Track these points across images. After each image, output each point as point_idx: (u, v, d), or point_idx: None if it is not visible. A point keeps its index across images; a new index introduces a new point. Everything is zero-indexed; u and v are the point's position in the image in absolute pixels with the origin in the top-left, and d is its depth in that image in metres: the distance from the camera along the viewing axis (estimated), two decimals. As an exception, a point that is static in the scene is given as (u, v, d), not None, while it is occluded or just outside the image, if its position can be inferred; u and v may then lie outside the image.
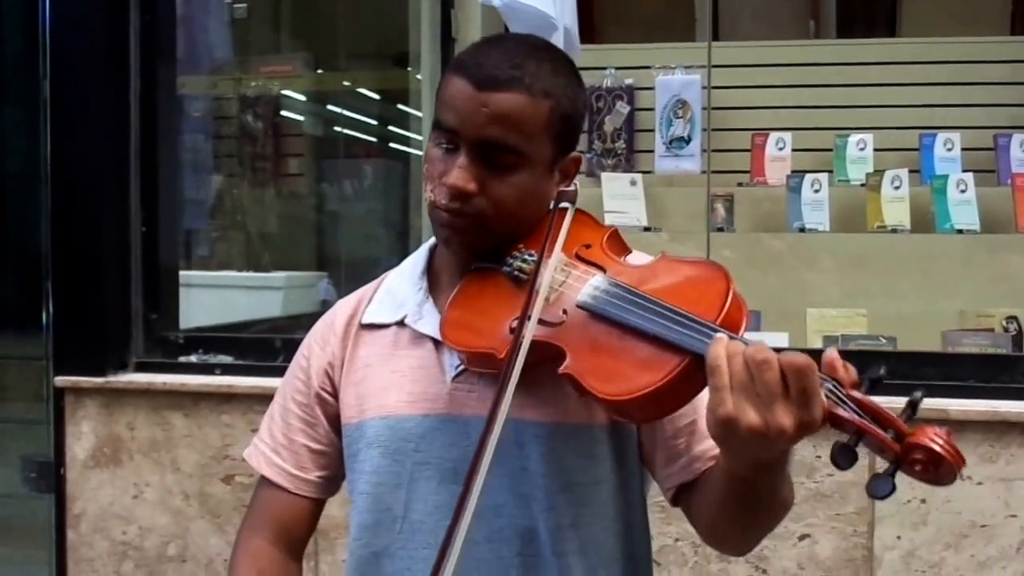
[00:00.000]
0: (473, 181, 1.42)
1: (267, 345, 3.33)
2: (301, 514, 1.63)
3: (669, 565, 2.95)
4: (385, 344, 1.55)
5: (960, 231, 3.81)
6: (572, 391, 1.34)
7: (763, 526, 1.40)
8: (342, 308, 1.64)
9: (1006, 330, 3.46)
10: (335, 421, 1.60)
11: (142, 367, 3.36)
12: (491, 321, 1.43)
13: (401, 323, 1.55)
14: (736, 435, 1.15)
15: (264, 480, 1.64)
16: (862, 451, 1.15)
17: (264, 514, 1.65)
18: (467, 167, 1.42)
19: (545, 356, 1.35)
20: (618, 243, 1.49)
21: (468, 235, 1.46)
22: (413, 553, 1.48)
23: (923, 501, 2.84)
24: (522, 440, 1.45)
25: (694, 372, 1.23)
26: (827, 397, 1.15)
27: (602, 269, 1.42)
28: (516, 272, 1.46)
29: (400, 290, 1.59)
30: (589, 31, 4.40)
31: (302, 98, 5.45)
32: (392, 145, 5.61)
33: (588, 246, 1.47)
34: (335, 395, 1.60)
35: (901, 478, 1.14)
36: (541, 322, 1.37)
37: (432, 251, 1.62)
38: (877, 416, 1.15)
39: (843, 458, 1.13)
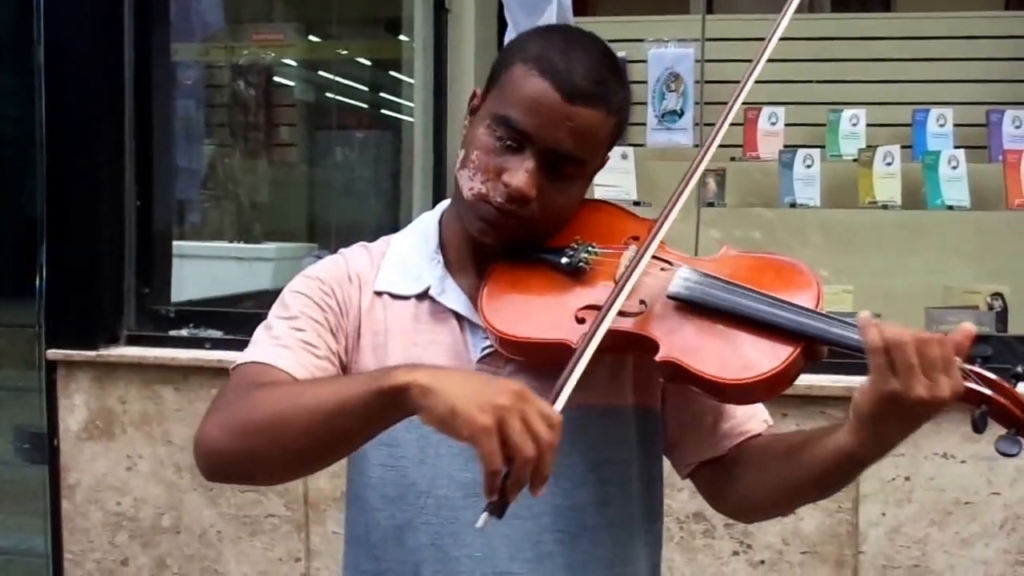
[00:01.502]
0: (535, 187, 1.42)
1: (258, 320, 3.32)
2: None
3: (656, 541, 2.98)
4: (404, 315, 1.53)
5: (951, 207, 3.82)
6: (649, 386, 1.48)
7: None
8: (353, 262, 1.57)
9: (991, 307, 3.48)
10: (346, 357, 1.52)
11: (133, 340, 3.38)
12: (551, 312, 1.44)
13: (420, 296, 1.53)
14: (900, 409, 1.25)
15: (259, 366, 1.44)
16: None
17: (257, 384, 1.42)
18: (533, 172, 1.42)
19: (625, 346, 1.38)
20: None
21: (509, 234, 1.47)
22: (439, 528, 1.47)
23: (907, 479, 2.87)
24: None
25: (805, 356, 1.34)
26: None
27: (667, 262, 1.45)
28: (579, 263, 1.46)
29: (412, 262, 1.56)
30: (582, 3, 4.39)
31: (294, 64, 5.43)
32: (384, 112, 5.59)
33: (636, 237, 1.50)
34: (346, 337, 1.51)
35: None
36: (620, 313, 1.38)
37: (439, 223, 1.60)
38: (997, 388, 1.30)
39: (983, 424, 1.28)
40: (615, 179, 4.04)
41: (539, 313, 1.45)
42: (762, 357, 1.34)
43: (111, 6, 3.37)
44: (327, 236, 5.05)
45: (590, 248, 1.48)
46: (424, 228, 1.61)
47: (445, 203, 1.64)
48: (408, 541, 1.49)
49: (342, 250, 1.61)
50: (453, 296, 1.52)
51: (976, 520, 2.87)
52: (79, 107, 3.33)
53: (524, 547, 1.47)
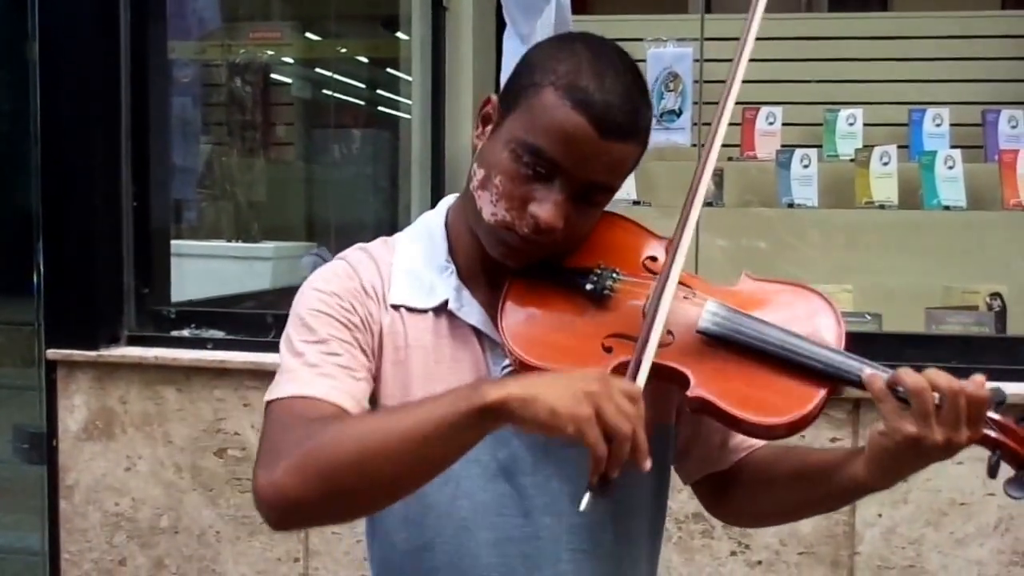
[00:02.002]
0: (563, 219, 1.39)
1: (259, 320, 3.34)
2: None
3: (655, 541, 3.00)
4: (424, 328, 1.49)
5: (947, 207, 3.84)
6: (666, 404, 1.50)
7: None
8: (363, 271, 1.50)
9: (990, 307, 3.49)
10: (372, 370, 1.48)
11: (134, 340, 3.37)
12: (577, 339, 1.42)
13: (437, 310, 1.49)
14: (917, 454, 1.31)
15: (304, 400, 1.38)
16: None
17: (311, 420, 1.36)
18: (563, 205, 1.39)
19: (656, 377, 1.35)
20: None
21: (532, 258, 1.45)
22: (458, 548, 1.46)
23: (904, 480, 2.88)
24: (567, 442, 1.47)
25: (831, 395, 1.37)
26: None
27: (689, 288, 1.45)
28: (604, 290, 1.44)
29: (423, 272, 1.51)
30: (581, 2, 4.39)
31: (291, 63, 5.43)
32: (382, 110, 5.59)
33: (654, 258, 1.49)
34: (375, 352, 1.47)
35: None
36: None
37: (445, 226, 1.56)
38: (1010, 433, 1.34)
39: (997, 469, 1.34)
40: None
41: (564, 340, 1.43)
42: (792, 399, 1.36)
43: (107, 2, 3.35)
44: (325, 234, 5.06)
45: (615, 275, 1.46)
46: (430, 232, 1.55)
47: (447, 201, 1.59)
48: (426, 561, 1.49)
49: (346, 257, 1.53)
50: (471, 311, 1.49)
51: (971, 521, 2.88)
52: (75, 105, 3.31)
53: (542, 565, 1.47)
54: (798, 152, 3.98)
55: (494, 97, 1.48)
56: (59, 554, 3.36)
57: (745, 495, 1.57)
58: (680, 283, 1.41)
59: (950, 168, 3.86)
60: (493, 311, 1.46)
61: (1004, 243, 3.78)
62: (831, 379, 1.36)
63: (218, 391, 3.20)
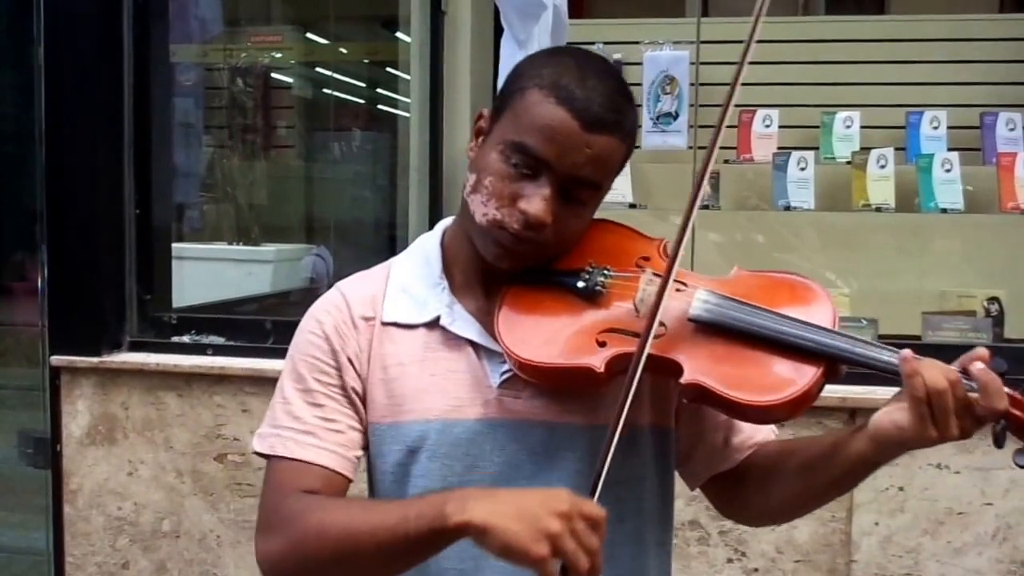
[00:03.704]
0: (552, 214, 1.43)
1: (258, 327, 3.37)
2: (341, 495, 1.51)
3: (652, 547, 3.02)
4: (415, 345, 1.53)
5: (944, 210, 3.84)
6: (665, 405, 1.52)
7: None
8: (354, 299, 1.56)
9: (987, 312, 3.49)
10: (363, 406, 1.55)
11: (136, 346, 3.40)
12: (571, 337, 1.45)
13: (430, 325, 1.53)
14: (929, 443, 1.34)
15: (292, 465, 1.49)
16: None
17: (300, 492, 1.48)
18: (550, 199, 1.42)
19: (648, 369, 1.39)
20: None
21: (525, 259, 1.48)
22: (461, 553, 1.44)
23: (901, 489, 2.91)
24: (570, 444, 1.49)
25: (826, 375, 1.38)
26: None
27: (682, 283, 1.47)
28: (595, 287, 1.48)
29: (417, 289, 1.56)
30: (578, 6, 4.39)
31: (292, 66, 5.44)
32: (381, 112, 5.61)
33: (647, 258, 1.52)
34: (363, 387, 1.54)
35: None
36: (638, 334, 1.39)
37: (441, 247, 1.60)
38: (1015, 402, 1.34)
39: (1003, 438, 1.34)
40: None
41: (559, 338, 1.46)
42: (786, 378, 1.37)
43: (110, 7, 3.38)
44: (325, 235, 5.08)
45: (605, 272, 1.49)
46: (425, 252, 1.60)
47: (444, 223, 1.63)
48: (430, 568, 1.48)
49: (342, 287, 1.60)
50: (464, 324, 1.53)
51: (968, 530, 2.90)
52: (78, 112, 3.34)
53: None
54: (795, 155, 3.98)
55: (486, 111, 1.53)
56: (63, 557, 3.40)
57: (755, 492, 1.59)
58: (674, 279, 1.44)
59: (947, 171, 3.86)
60: (488, 320, 1.50)
61: (1002, 247, 3.78)
62: (826, 358, 1.38)
63: (218, 397, 3.23)
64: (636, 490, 1.55)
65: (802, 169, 3.96)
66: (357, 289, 1.59)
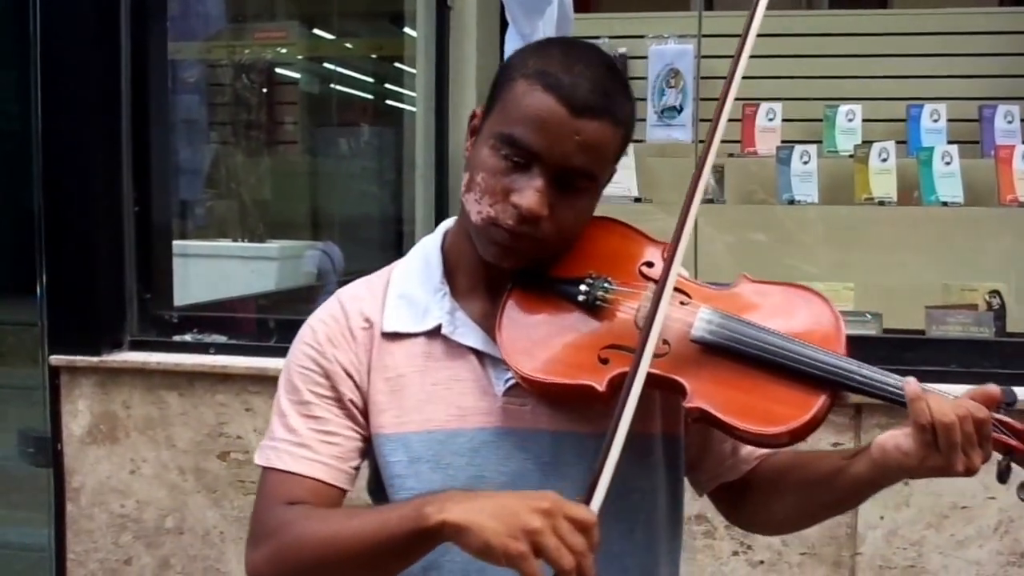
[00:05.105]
0: (547, 206, 1.39)
1: (261, 325, 3.37)
2: (333, 506, 1.50)
3: (655, 542, 3.02)
4: (416, 353, 1.51)
5: (945, 203, 3.84)
6: (676, 414, 1.50)
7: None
8: (352, 309, 1.54)
9: (989, 305, 3.49)
10: (365, 417, 1.52)
11: (136, 345, 3.40)
12: (574, 352, 1.43)
13: (431, 333, 1.51)
14: (933, 473, 1.33)
15: (285, 476, 1.49)
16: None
17: (288, 503, 1.47)
18: (543, 191, 1.39)
19: (652, 385, 1.37)
20: None
21: (525, 256, 1.45)
22: (465, 567, 1.45)
23: (905, 483, 2.90)
24: (577, 452, 1.47)
25: (831, 402, 1.36)
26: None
27: (685, 293, 1.45)
28: (596, 301, 1.45)
29: (417, 295, 1.53)
30: (583, 0, 4.39)
31: (296, 61, 5.44)
32: (386, 108, 5.60)
33: (650, 264, 1.49)
34: (362, 397, 1.52)
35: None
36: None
37: (442, 250, 1.57)
38: (1021, 434, 1.33)
39: (1008, 474, 1.34)
40: (616, 176, 4.05)
41: (561, 353, 1.43)
42: (790, 407, 1.35)
43: (107, 7, 3.36)
44: (331, 230, 5.07)
45: (606, 284, 1.46)
46: (426, 255, 1.58)
47: (446, 224, 1.61)
48: (442, 570, 1.49)
49: (341, 295, 1.58)
50: (467, 331, 1.50)
51: (972, 523, 2.90)
52: (75, 110, 3.33)
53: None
54: (798, 148, 3.98)
55: (479, 109, 1.50)
56: (65, 553, 3.41)
57: (760, 503, 1.58)
58: (675, 289, 1.41)
59: (947, 164, 3.85)
60: (493, 325, 1.47)
61: (1001, 239, 3.78)
62: (831, 385, 1.35)
63: (220, 396, 3.23)
64: (649, 499, 1.54)
65: (805, 163, 3.96)
66: (356, 298, 1.56)
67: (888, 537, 2.93)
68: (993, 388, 1.33)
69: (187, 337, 3.40)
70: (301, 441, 1.49)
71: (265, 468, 1.51)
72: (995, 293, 3.51)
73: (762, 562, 3.00)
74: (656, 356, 1.36)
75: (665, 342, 1.39)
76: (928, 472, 1.32)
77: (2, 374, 5.00)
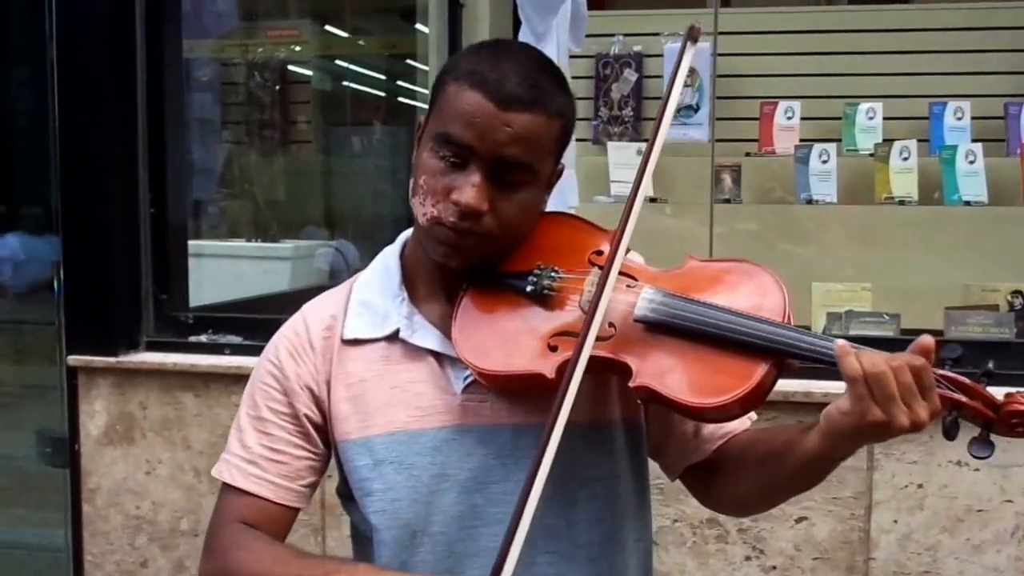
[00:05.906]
0: (486, 200, 1.42)
1: (275, 326, 3.34)
2: (281, 524, 1.56)
3: (668, 545, 3.00)
4: (375, 359, 1.53)
5: (968, 203, 3.80)
6: (634, 399, 1.46)
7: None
8: (313, 320, 1.57)
9: (1011, 305, 3.45)
10: (322, 433, 1.56)
11: (153, 346, 3.39)
12: (523, 341, 1.44)
13: (390, 338, 1.53)
14: (879, 433, 1.29)
15: (236, 493, 1.55)
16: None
17: (238, 522, 1.55)
18: (481, 186, 1.41)
19: (600, 369, 1.38)
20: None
21: (471, 253, 1.46)
22: (436, 565, 1.48)
23: (920, 486, 2.87)
24: (538, 444, 1.43)
25: (776, 370, 1.36)
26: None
27: (631, 277, 1.45)
28: (544, 290, 1.47)
29: (377, 302, 1.56)
30: (598, -1, 4.38)
31: (309, 60, 5.44)
32: (399, 106, 5.60)
33: (600, 252, 1.49)
34: (320, 410, 1.55)
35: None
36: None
37: (402, 259, 1.60)
38: (968, 390, 1.31)
39: (955, 429, 1.29)
40: (630, 175, 4.02)
41: (511, 344, 1.45)
42: (734, 377, 1.35)
43: (122, 5, 3.36)
44: (344, 230, 5.07)
45: (553, 273, 1.47)
46: (386, 264, 1.61)
47: (405, 234, 1.63)
48: (412, 570, 1.50)
49: (305, 309, 1.61)
50: (424, 334, 1.52)
51: (988, 527, 2.86)
52: (91, 111, 3.33)
53: (518, 569, 1.41)
54: (817, 147, 3.96)
55: (422, 117, 1.53)
56: (82, 555, 3.41)
57: (727, 482, 1.58)
58: (623, 273, 1.43)
59: (971, 162, 3.82)
60: (449, 325, 1.50)
61: (1025, 239, 3.75)
62: (774, 353, 1.35)
63: (235, 396, 3.21)
64: (612, 487, 1.55)
65: (824, 162, 3.93)
66: (318, 309, 1.60)
67: (902, 541, 2.90)
68: (927, 338, 1.31)
69: (203, 338, 3.40)
70: (251, 458, 1.55)
71: (223, 486, 1.57)
72: (1017, 293, 3.48)
73: (774, 567, 2.98)
74: (601, 339, 1.38)
75: (611, 325, 1.40)
76: (873, 430, 1.29)
77: (20, 374, 5.00)
